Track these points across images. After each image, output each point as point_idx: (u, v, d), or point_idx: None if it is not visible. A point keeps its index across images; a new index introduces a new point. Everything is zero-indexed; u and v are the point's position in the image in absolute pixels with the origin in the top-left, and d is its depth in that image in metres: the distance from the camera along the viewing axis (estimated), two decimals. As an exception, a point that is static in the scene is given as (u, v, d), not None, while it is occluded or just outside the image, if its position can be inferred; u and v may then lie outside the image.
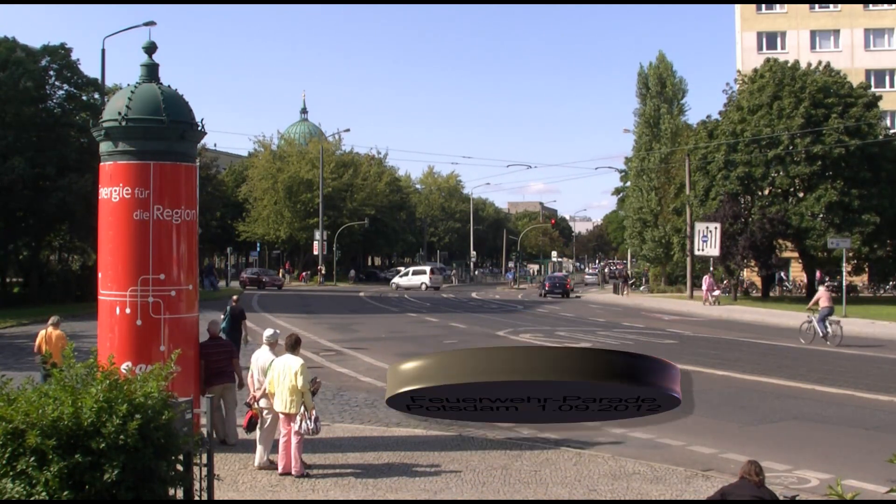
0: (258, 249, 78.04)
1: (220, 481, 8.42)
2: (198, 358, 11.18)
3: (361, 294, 56.20)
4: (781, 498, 7.13)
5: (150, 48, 11.18)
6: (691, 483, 9.91)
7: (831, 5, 64.94)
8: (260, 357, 10.94)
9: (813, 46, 63.85)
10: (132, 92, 10.72)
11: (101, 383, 5.90)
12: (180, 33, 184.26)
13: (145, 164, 10.54)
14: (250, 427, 10.64)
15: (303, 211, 71.20)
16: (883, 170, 43.96)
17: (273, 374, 10.22)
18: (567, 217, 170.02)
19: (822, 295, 26.71)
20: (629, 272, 70.96)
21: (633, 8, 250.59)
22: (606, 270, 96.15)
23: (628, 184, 70.11)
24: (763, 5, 66.06)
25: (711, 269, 47.38)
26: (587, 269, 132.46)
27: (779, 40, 65.44)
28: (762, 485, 6.86)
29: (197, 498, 7.05)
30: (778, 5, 65.80)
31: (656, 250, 61.38)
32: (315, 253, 67.12)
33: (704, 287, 44.99)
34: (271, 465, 10.37)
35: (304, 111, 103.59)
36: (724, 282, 49.17)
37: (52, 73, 38.41)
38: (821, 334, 25.42)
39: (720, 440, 12.33)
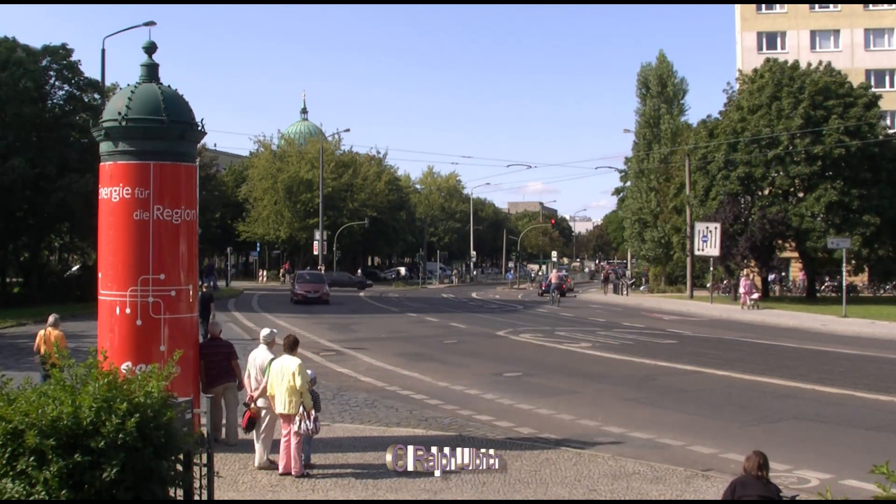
0: (258, 249, 78.00)
1: (220, 481, 8.42)
2: (197, 358, 11.18)
3: (361, 294, 56.19)
4: (782, 498, 7.11)
5: (150, 48, 11.17)
6: (691, 483, 9.91)
7: (831, 5, 64.95)
8: (258, 356, 10.93)
9: (813, 46, 63.86)
10: (132, 92, 10.71)
11: (98, 382, 5.89)
12: (180, 33, 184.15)
13: (145, 164, 10.54)
14: (249, 427, 10.64)
15: (303, 211, 71.15)
16: (883, 170, 43.93)
17: (271, 375, 10.22)
18: (567, 217, 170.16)
19: (553, 275, 51.28)
20: (614, 272, 73.54)
21: (634, 8, 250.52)
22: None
23: (628, 184, 70.21)
24: (763, 5, 66.06)
25: (714, 269, 47.32)
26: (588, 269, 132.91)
27: (779, 40, 65.45)
28: (767, 481, 6.83)
29: (197, 498, 7.04)
30: (778, 5, 65.80)
31: (656, 250, 61.40)
32: (315, 253, 67.06)
33: (742, 290, 41.95)
34: (271, 465, 10.37)
35: (304, 111, 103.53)
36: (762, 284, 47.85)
37: (52, 73, 38.37)
38: (549, 299, 47.25)
39: (720, 440, 12.33)
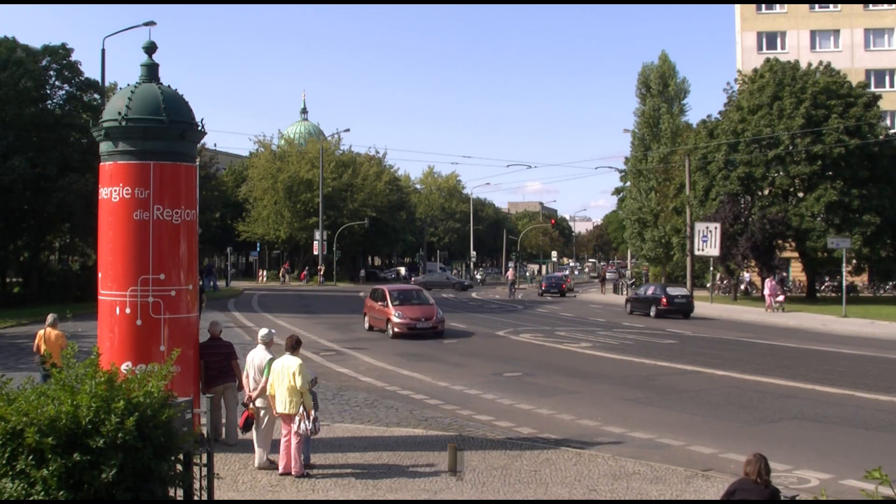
0: (258, 249, 77.98)
1: (220, 481, 8.41)
2: (198, 358, 11.17)
3: (361, 294, 55.97)
4: (782, 498, 7.10)
5: (150, 48, 11.16)
6: (691, 483, 9.90)
7: (831, 5, 64.93)
8: (256, 356, 10.92)
9: (813, 46, 63.85)
10: (132, 92, 10.70)
11: (93, 379, 5.88)
12: (180, 33, 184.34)
13: (145, 164, 10.53)
14: (246, 427, 10.62)
15: (303, 211, 71.13)
16: (882, 168, 43.91)
17: (272, 375, 10.21)
18: (567, 217, 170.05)
19: (510, 274, 58.98)
20: (617, 271, 74.54)
21: (633, 8, 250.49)
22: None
23: (628, 184, 70.22)
24: (763, 5, 66.05)
25: (714, 269, 47.29)
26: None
27: (779, 40, 65.44)
28: (768, 485, 6.80)
29: (197, 498, 7.04)
30: (778, 5, 65.78)
31: (656, 250, 61.40)
32: (315, 253, 67.08)
33: (767, 292, 40.56)
34: (271, 465, 10.37)
35: (304, 111, 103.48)
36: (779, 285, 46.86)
37: (52, 73, 38.36)
38: (510, 295, 53.73)
39: (720, 440, 12.32)
